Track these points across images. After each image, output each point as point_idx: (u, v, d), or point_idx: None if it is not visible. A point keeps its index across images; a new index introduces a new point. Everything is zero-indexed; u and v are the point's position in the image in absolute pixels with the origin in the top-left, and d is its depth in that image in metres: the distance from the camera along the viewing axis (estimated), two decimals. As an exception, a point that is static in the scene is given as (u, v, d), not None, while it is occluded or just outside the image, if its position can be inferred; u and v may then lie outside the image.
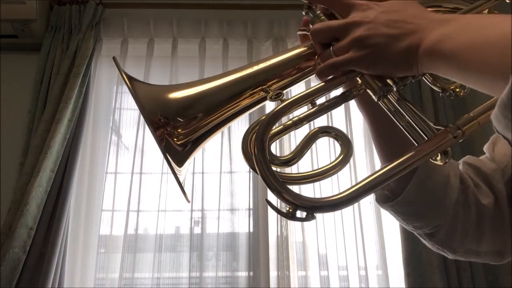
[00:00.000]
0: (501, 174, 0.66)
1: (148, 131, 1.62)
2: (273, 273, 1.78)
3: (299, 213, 0.45)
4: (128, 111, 2.03)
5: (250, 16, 2.14)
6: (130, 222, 1.80)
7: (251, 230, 1.84)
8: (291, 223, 1.81)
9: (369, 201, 1.84)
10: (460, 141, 0.47)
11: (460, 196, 0.64)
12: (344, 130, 1.88)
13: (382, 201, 0.66)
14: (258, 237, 1.82)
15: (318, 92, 0.51)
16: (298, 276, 1.79)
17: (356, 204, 1.81)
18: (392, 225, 1.84)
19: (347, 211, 1.80)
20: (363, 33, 0.48)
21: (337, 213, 1.75)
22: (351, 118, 1.98)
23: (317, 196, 1.73)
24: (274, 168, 0.46)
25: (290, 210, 0.44)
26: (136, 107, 0.49)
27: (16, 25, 1.95)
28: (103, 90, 2.05)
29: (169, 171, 0.48)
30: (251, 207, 1.86)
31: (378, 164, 1.83)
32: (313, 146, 0.57)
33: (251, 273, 1.78)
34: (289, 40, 2.10)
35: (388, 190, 0.66)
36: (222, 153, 1.90)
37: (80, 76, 1.88)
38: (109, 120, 2.01)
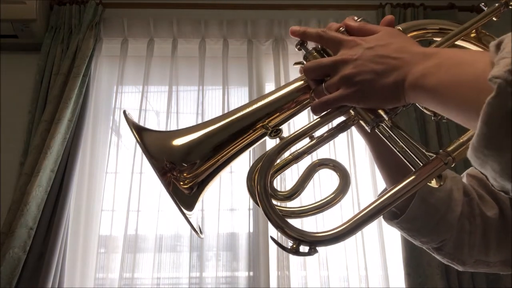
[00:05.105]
0: None
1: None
2: (273, 273, 1.77)
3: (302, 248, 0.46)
4: (128, 111, 2.02)
5: (250, 16, 2.14)
6: (130, 222, 1.80)
7: (251, 230, 1.84)
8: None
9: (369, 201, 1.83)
10: (452, 165, 0.50)
11: (465, 208, 0.65)
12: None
13: (389, 218, 0.68)
14: (258, 237, 1.82)
15: (314, 127, 0.54)
16: (298, 276, 1.79)
17: (356, 204, 1.81)
18: (392, 225, 1.83)
19: (347, 211, 1.79)
20: (351, 71, 0.50)
21: (338, 213, 1.74)
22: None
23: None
24: (276, 203, 0.49)
25: (294, 246, 0.46)
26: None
27: (16, 25, 1.95)
28: (103, 90, 2.05)
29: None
30: (251, 207, 1.86)
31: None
32: (315, 176, 0.60)
33: (251, 273, 1.78)
34: (289, 40, 2.10)
35: (395, 207, 0.67)
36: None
37: (80, 76, 1.88)
38: (109, 120, 2.01)
